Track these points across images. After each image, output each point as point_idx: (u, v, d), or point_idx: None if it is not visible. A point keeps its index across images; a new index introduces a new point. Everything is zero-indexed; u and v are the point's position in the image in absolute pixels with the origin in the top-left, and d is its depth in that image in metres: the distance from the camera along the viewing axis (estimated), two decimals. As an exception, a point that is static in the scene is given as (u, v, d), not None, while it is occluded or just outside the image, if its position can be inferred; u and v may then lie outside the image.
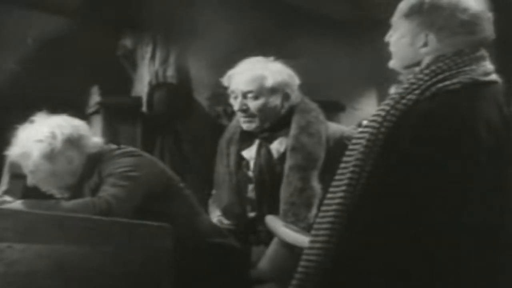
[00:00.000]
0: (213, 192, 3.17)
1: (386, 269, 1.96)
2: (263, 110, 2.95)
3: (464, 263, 1.97)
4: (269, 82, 2.94)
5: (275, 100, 2.96)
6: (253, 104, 2.94)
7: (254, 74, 2.95)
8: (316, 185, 2.84)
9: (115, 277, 2.35)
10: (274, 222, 2.80)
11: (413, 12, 2.12)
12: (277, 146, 2.96)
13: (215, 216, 3.04)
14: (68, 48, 4.54)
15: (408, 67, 2.14)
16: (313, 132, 2.92)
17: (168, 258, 2.40)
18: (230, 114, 5.43)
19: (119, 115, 4.76)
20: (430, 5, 2.09)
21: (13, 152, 2.80)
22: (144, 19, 4.90)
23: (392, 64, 2.19)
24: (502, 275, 2.03)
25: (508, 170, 2.04)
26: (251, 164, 2.98)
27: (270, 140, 2.98)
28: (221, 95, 5.36)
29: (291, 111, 2.98)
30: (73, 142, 2.79)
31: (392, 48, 2.18)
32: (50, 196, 2.84)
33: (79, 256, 2.31)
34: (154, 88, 4.86)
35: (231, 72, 3.00)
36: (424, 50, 2.10)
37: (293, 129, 2.93)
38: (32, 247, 2.27)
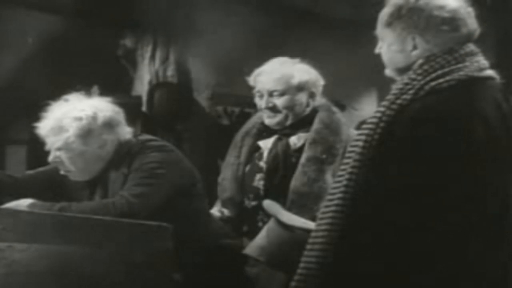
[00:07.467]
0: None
1: (384, 269, 1.96)
2: (289, 107, 2.98)
3: (464, 260, 1.97)
4: (296, 80, 2.97)
5: (301, 98, 2.99)
6: (279, 101, 2.97)
7: (280, 73, 2.98)
8: (329, 178, 2.83)
9: (115, 277, 2.35)
10: (273, 206, 2.80)
11: (393, 20, 2.14)
12: (295, 140, 2.98)
13: (215, 207, 3.04)
14: (68, 48, 4.55)
15: (402, 71, 2.15)
16: (336, 129, 2.95)
17: (168, 258, 2.40)
18: (230, 114, 5.46)
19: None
20: (407, 9, 2.12)
21: (45, 124, 2.71)
22: (144, 19, 4.91)
23: (388, 72, 2.22)
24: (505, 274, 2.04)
25: (506, 166, 2.04)
26: (265, 154, 3.00)
27: (290, 135, 3.00)
28: (221, 95, 5.39)
29: (315, 111, 3.01)
30: (111, 127, 2.75)
31: (384, 58, 2.21)
32: (53, 197, 2.81)
33: (79, 256, 2.31)
34: (154, 87, 4.87)
35: (257, 72, 3.02)
36: (415, 53, 2.12)
37: (316, 124, 2.96)
38: (32, 247, 2.27)
